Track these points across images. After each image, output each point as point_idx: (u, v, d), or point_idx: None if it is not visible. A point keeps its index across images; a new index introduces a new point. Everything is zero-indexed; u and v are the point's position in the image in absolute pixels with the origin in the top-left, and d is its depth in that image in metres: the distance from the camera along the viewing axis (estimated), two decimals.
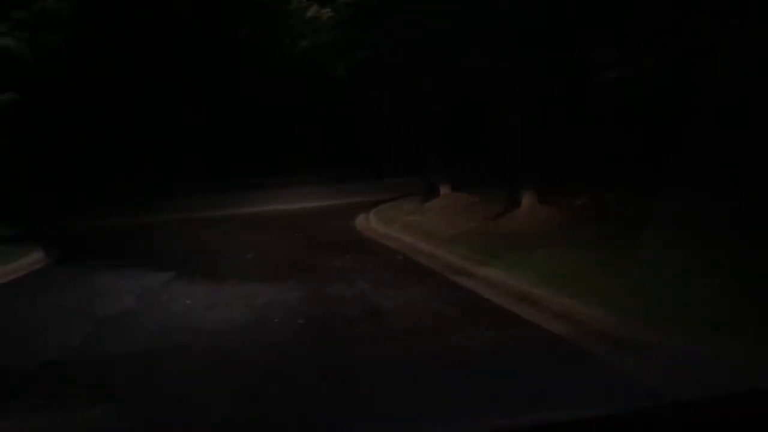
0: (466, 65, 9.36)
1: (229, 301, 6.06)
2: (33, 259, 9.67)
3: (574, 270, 5.64)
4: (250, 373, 3.69)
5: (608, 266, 5.54)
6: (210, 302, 6.09)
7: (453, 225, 9.43)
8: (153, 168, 18.85)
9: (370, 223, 11.71)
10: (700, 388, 2.26)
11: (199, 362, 4.06)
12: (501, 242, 7.46)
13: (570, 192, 9.52)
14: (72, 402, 3.54)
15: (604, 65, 8.50)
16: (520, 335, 4.23)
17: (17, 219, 13.69)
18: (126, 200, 16.88)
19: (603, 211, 8.63)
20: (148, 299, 6.46)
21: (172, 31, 17.77)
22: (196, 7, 17.25)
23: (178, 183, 18.33)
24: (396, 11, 9.15)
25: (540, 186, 8.90)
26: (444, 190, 12.27)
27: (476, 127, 14.35)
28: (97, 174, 18.13)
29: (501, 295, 5.51)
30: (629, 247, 5.62)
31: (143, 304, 6.23)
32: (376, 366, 3.64)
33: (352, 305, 5.60)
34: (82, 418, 3.18)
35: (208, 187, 17.90)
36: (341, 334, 4.75)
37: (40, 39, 10.44)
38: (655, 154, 9.00)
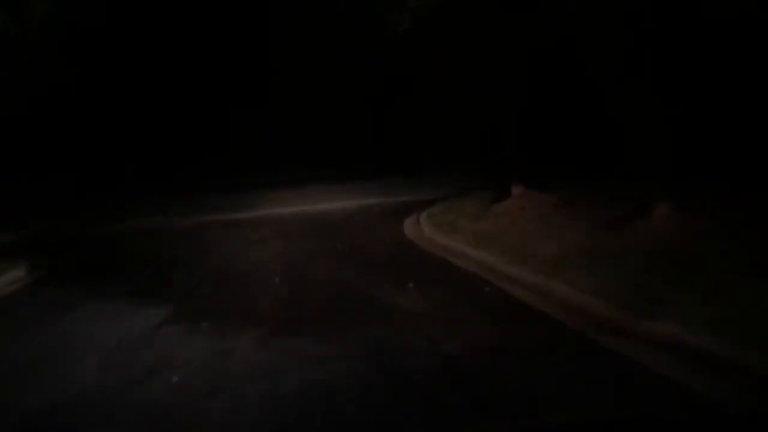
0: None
1: (241, 381, 3.72)
2: (7, 280, 7.96)
3: None
4: None
5: None
6: (210, 381, 3.76)
7: (547, 237, 6.94)
8: (173, 167, 17.37)
9: (423, 231, 9.27)
10: None
11: None
12: (649, 270, 4.95)
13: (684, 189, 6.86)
14: None
15: None
16: None
17: (24, 222, 12.65)
18: (143, 202, 15.12)
19: (757, 218, 6.07)
20: (118, 367, 4.20)
21: (193, 30, 16.15)
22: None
23: (194, 183, 16.76)
24: None
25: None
26: (516, 189, 9.74)
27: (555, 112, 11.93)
28: (107, 175, 16.75)
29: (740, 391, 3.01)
30: None
31: (106, 381, 3.94)
32: None
33: (448, 400, 3.21)
34: None
35: (231, 187, 16.06)
36: None
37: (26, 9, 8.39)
38: None
